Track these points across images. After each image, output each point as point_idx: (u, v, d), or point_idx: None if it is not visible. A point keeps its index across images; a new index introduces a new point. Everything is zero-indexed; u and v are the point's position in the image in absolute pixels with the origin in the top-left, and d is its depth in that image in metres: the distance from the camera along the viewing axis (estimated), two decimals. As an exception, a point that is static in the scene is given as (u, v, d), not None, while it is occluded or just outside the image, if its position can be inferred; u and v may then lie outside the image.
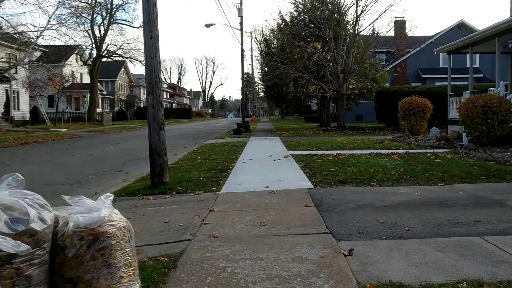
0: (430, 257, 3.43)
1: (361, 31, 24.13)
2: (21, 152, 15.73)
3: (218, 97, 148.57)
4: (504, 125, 11.24)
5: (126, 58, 44.21)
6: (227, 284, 3.02)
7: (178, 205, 5.89)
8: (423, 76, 35.69)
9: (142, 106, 59.95)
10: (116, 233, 2.64)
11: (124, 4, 41.90)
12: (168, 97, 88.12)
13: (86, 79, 48.86)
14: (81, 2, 38.30)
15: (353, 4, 23.67)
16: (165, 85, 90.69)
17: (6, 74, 31.05)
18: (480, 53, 19.65)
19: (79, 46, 41.94)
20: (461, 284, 2.85)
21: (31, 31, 27.52)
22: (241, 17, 30.90)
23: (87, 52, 44.99)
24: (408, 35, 27.55)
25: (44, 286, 2.42)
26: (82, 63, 44.60)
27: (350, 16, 25.26)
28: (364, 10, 23.24)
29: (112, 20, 43.20)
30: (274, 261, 3.41)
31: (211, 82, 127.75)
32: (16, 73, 33.59)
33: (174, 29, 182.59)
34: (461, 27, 35.03)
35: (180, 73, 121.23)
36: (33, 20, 42.41)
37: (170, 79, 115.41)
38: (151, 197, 6.56)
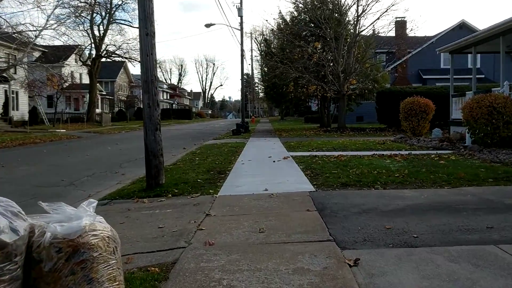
0: (442, 268, 3.16)
1: (362, 31, 23.89)
2: (17, 153, 15.48)
3: (218, 98, 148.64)
4: (509, 126, 10.97)
5: (126, 58, 44.00)
6: (222, 298, 2.76)
7: (174, 208, 5.63)
8: (424, 76, 35.47)
9: (142, 106, 59.64)
10: (99, 244, 2.38)
11: (124, 4, 41.71)
12: (168, 97, 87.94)
13: (86, 80, 48.62)
14: (80, 1, 38.14)
15: (354, 3, 23.43)
16: (165, 86, 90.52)
17: (5, 74, 30.82)
18: (483, 53, 19.40)
19: (79, 46, 41.68)
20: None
21: (30, 31, 27.32)
22: (241, 17, 30.67)
23: (86, 52, 44.77)
24: (409, 35, 27.26)
25: (16, 305, 2.17)
26: (82, 63, 44.35)
27: (351, 15, 25.04)
28: (365, 9, 23.02)
29: (111, 20, 42.98)
30: (274, 273, 3.15)
31: (211, 83, 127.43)
32: (15, 73, 33.36)
33: (174, 30, 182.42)
34: (463, 27, 34.81)
35: (180, 74, 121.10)
36: (32, 19, 42.44)
37: (170, 80, 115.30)
38: (146, 200, 6.31)
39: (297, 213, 5.03)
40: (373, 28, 24.17)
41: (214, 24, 31.16)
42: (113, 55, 44.18)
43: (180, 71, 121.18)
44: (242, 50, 30.78)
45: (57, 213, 2.42)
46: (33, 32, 27.06)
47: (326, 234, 4.11)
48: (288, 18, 29.28)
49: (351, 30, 24.57)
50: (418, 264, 3.25)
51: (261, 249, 3.71)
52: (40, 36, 28.19)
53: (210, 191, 6.65)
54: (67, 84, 39.98)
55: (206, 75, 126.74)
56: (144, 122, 7.01)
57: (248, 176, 8.15)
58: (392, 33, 27.36)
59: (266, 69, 39.74)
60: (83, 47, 42.91)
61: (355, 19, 23.75)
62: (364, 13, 23.12)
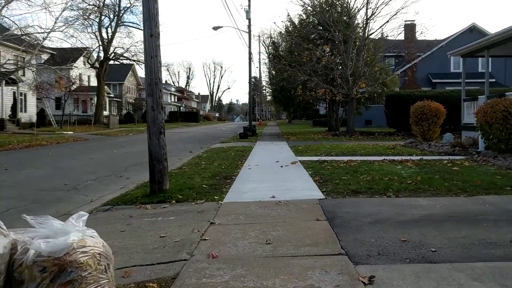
0: (466, 288, 2.90)
1: (371, 34, 23.61)
2: (23, 155, 15.35)
3: (225, 100, 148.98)
4: (525, 131, 10.62)
5: (134, 61, 43.97)
6: (225, 321, 2.51)
7: (177, 216, 5.40)
8: (434, 80, 35.05)
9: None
10: (88, 262, 2.15)
11: (132, 7, 41.64)
12: (176, 100, 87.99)
13: (94, 82, 48.68)
14: (89, 4, 38.21)
15: (363, 6, 23.15)
16: (173, 89, 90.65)
17: (13, 76, 30.85)
18: (496, 57, 18.98)
19: (87, 49, 41.72)
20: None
21: (38, 33, 27.29)
22: (249, 19, 30.49)
23: (94, 54, 44.81)
24: (419, 38, 26.96)
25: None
26: (90, 66, 44.40)
27: (360, 18, 24.75)
28: (375, 12, 22.75)
29: (119, 22, 42.99)
30: (282, 291, 2.90)
31: (218, 86, 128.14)
32: (23, 75, 33.41)
33: (183, 33, 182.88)
34: (473, 31, 34.35)
35: (188, 77, 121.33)
36: (40, 21, 42.57)
37: (178, 82, 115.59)
38: (149, 206, 6.08)
39: (306, 222, 4.77)
40: (381, 32, 23.91)
41: (222, 27, 31.01)
42: (121, 58, 44.20)
43: (188, 74, 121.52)
44: (250, 53, 30.60)
45: (43, 227, 2.19)
46: (41, 34, 27.05)
47: (337, 247, 3.85)
48: (296, 20, 29.11)
49: (360, 33, 24.31)
50: (439, 283, 2.98)
51: (268, 263, 3.46)
52: (48, 38, 28.20)
53: (215, 197, 6.41)
54: (75, 86, 39.99)
55: (214, 78, 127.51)
56: (148, 125, 6.80)
57: (254, 181, 7.90)
58: (401, 37, 27.09)
59: (274, 72, 39.58)
60: (91, 49, 42.94)
61: (364, 22, 23.51)
62: (373, 16, 22.87)
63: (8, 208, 6.38)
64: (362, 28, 23.87)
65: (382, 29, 23.63)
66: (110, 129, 36.59)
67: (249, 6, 30.58)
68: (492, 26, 77.92)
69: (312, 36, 26.54)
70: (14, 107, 34.44)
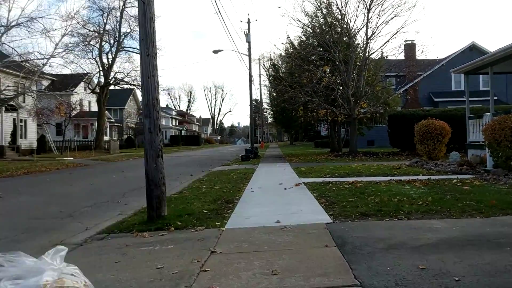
0: (502, 325, 2.55)
1: (371, 54, 23.52)
2: (20, 182, 15.04)
3: (227, 123, 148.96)
4: (535, 148, 10.31)
5: (134, 85, 44.01)
6: None
7: (176, 244, 5.05)
8: (436, 99, 34.91)
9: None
10: (65, 306, 1.82)
11: (132, 32, 41.75)
12: (177, 124, 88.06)
13: (94, 107, 48.70)
14: (89, 30, 38.46)
15: (363, 26, 23.12)
16: (174, 113, 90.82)
17: (13, 103, 30.79)
18: (500, 73, 18.80)
19: (87, 74, 41.83)
20: None
21: (38, 59, 27.34)
22: (249, 42, 30.55)
23: (95, 79, 44.91)
24: (420, 57, 26.87)
25: None
26: (90, 91, 44.46)
27: (360, 38, 24.70)
28: (375, 32, 22.69)
29: (120, 47, 43.19)
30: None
31: (220, 109, 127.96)
32: (24, 101, 33.37)
33: (183, 57, 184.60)
34: (473, 49, 34.40)
35: (189, 101, 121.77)
36: (40, 48, 42.88)
37: (179, 106, 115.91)
38: (147, 233, 5.74)
39: (314, 249, 4.42)
40: (381, 52, 23.82)
41: (222, 50, 30.99)
42: (121, 83, 44.27)
43: (189, 97, 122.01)
44: (250, 75, 30.57)
45: (13, 265, 1.88)
46: (41, 60, 27.08)
47: (350, 277, 3.50)
48: (296, 42, 29.13)
49: (361, 53, 24.22)
50: (470, 319, 2.63)
51: (274, 298, 3.11)
52: (48, 64, 28.26)
53: (217, 223, 6.06)
54: (75, 112, 39.94)
55: (215, 101, 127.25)
56: (145, 148, 6.50)
57: (258, 205, 7.56)
58: (402, 56, 27.01)
59: (274, 93, 39.59)
60: (92, 74, 43.05)
61: (364, 42, 23.44)
62: (373, 35, 22.82)
63: (-4, 239, 6.04)
64: (363, 48, 23.81)
65: (382, 49, 23.57)
66: (111, 154, 36.34)
67: (248, 29, 30.69)
68: (491, 44, 78.50)
69: (312, 57, 26.50)
70: (14, 134, 34.30)
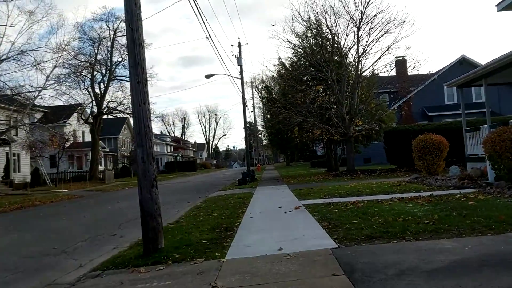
0: None
1: (363, 71, 23.54)
2: (12, 217, 14.66)
3: (222, 147, 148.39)
4: (536, 158, 10.15)
5: (127, 113, 43.88)
6: None
7: (174, 279, 4.77)
8: (429, 113, 34.95)
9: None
10: None
11: (123, 60, 41.75)
12: (172, 150, 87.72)
13: (88, 137, 48.39)
14: (80, 61, 38.48)
15: (354, 44, 23.20)
16: (168, 139, 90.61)
17: (5, 137, 30.49)
18: (494, 85, 18.81)
19: (80, 105, 41.68)
20: None
21: (29, 91, 27.19)
22: (241, 66, 30.70)
23: (87, 110, 44.75)
24: (412, 73, 26.96)
25: None
26: (83, 121, 44.24)
27: (351, 57, 24.75)
28: (366, 50, 22.75)
29: (112, 76, 43.20)
30: None
31: (214, 133, 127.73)
32: (16, 135, 33.08)
33: (176, 83, 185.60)
34: (463, 63, 34.65)
35: (183, 126, 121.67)
36: (30, 80, 42.78)
37: (173, 132, 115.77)
38: (143, 268, 5.45)
39: (322, 279, 4.15)
40: (372, 70, 23.85)
41: (214, 75, 31.05)
42: (114, 112, 44.14)
43: (183, 123, 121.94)
44: (243, 98, 30.56)
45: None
46: (32, 93, 26.93)
47: (364, 310, 3.24)
48: (287, 63, 29.17)
49: (353, 72, 24.24)
50: None
51: None
52: (40, 97, 28.07)
53: (216, 254, 5.78)
54: (69, 143, 39.61)
55: (209, 126, 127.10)
56: (138, 178, 6.28)
57: (258, 232, 7.28)
58: (394, 72, 27.08)
59: (269, 115, 39.47)
60: (84, 105, 42.90)
61: (356, 60, 23.47)
62: (364, 53, 22.86)
63: (-16, 282, 5.72)
64: (355, 66, 23.84)
65: (373, 67, 23.63)
66: (106, 184, 35.91)
67: (239, 53, 30.83)
68: (481, 57, 79.48)
69: (305, 77, 26.49)
70: (7, 168, 33.89)
